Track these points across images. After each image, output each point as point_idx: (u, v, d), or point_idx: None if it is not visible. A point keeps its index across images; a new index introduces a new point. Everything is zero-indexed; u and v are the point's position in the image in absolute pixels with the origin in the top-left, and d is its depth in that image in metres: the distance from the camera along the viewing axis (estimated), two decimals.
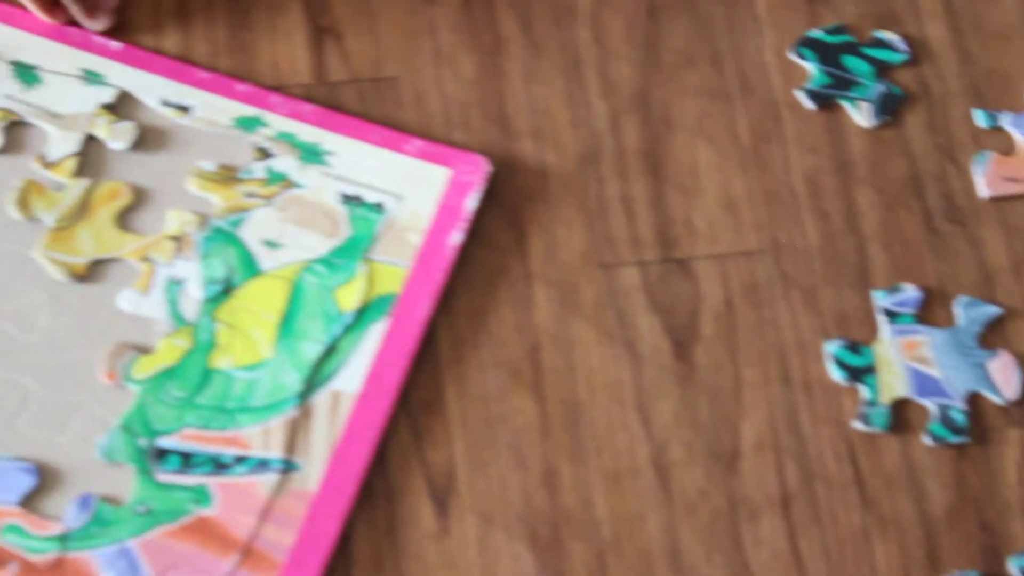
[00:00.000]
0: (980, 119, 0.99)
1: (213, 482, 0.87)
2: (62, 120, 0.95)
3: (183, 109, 0.95)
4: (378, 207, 0.93)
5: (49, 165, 0.94)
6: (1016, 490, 0.90)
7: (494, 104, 0.98)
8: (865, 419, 0.90)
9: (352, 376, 0.89)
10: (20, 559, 0.85)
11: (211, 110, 0.95)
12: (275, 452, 0.87)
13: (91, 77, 0.96)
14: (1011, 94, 0.99)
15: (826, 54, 1.01)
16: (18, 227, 0.93)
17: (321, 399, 0.89)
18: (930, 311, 0.94)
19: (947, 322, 0.94)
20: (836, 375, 0.92)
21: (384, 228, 0.93)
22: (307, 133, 0.95)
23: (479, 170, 0.94)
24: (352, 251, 0.92)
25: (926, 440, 0.90)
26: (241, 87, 0.96)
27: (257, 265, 0.92)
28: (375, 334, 0.90)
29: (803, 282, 0.94)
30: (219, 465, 0.87)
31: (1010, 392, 0.91)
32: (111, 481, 0.87)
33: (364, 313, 0.91)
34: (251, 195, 0.93)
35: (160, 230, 0.93)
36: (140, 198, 0.94)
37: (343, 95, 0.97)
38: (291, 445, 0.88)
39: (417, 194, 0.94)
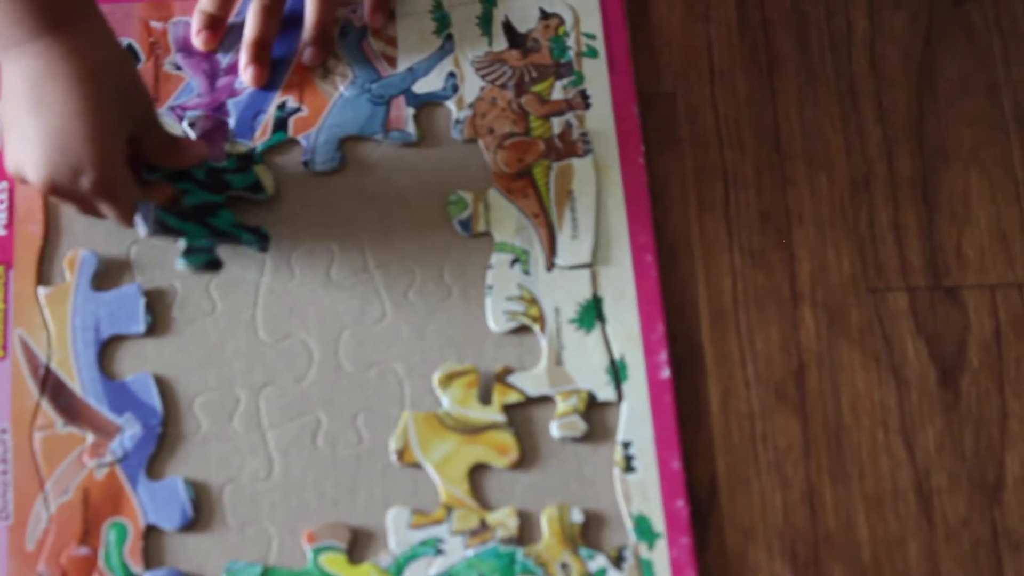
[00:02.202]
0: None
1: None
2: (557, 369, 0.93)
3: (629, 465, 0.91)
4: None
5: (501, 381, 0.92)
6: None
7: (768, 125, 0.99)
8: None
9: None
10: (94, 554, 0.87)
11: (640, 490, 0.90)
12: None
13: (619, 369, 0.93)
14: None
15: None
16: (426, 384, 0.93)
17: None
18: None
19: None
20: None
21: None
22: None
23: None
24: None
25: None
26: (680, 504, 0.90)
27: None
28: None
29: None
30: None
31: None
32: None
33: None
34: (565, 568, 0.88)
35: (487, 506, 0.90)
36: (510, 469, 0.91)
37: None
38: None
39: None
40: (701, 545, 0.89)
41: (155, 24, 1.02)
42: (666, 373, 0.92)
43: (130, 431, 0.90)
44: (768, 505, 0.89)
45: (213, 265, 0.93)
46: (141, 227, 0.92)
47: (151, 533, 0.88)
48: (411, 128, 0.98)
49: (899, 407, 0.92)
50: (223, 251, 0.95)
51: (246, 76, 0.98)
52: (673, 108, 1.00)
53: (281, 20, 1.00)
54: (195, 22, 1.00)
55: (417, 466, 0.90)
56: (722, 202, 0.97)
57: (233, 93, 0.99)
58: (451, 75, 1.00)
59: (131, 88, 0.90)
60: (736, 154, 0.99)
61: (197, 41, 0.99)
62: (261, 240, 0.94)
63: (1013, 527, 0.89)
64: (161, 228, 0.93)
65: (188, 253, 0.93)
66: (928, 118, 1.00)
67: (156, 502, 0.89)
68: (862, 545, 0.89)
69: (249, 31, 0.98)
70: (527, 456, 0.91)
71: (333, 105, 0.99)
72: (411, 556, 0.88)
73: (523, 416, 0.91)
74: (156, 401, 0.91)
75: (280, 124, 0.98)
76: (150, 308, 0.93)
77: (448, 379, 0.91)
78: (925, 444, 0.91)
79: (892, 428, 0.91)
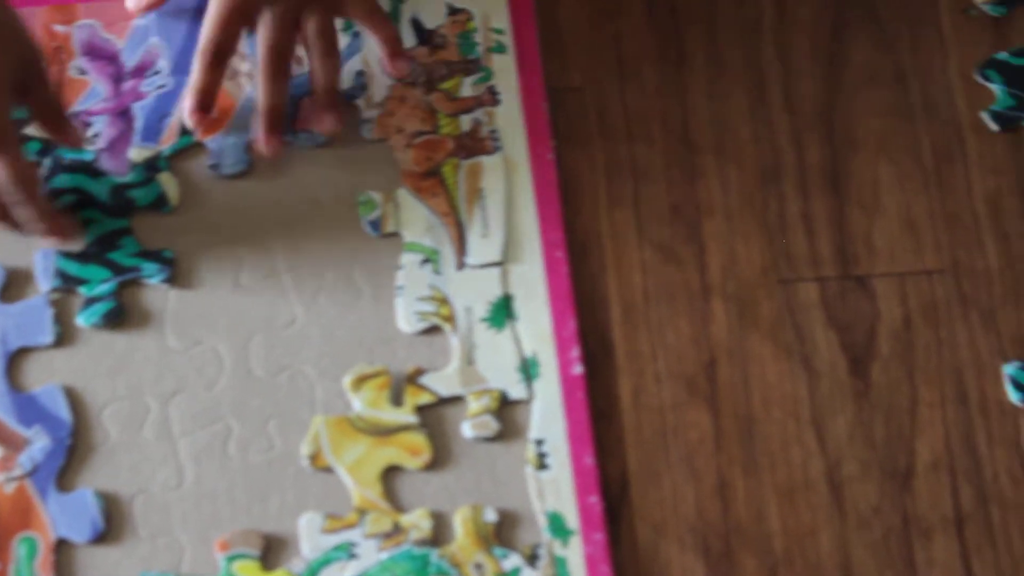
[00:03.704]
0: None
1: None
2: (468, 369, 0.93)
3: (541, 463, 0.90)
4: None
5: (413, 382, 0.92)
6: None
7: (677, 118, 0.99)
8: None
9: None
10: (4, 569, 0.86)
11: (553, 488, 0.90)
12: None
13: (529, 369, 0.93)
14: None
15: (1012, 76, 1.01)
16: (336, 390, 0.92)
17: None
18: None
19: None
20: (1014, 397, 0.92)
21: None
22: None
23: None
24: None
25: None
26: (593, 500, 0.90)
27: None
28: None
29: (982, 303, 0.94)
30: None
31: None
32: None
33: None
34: (479, 568, 0.87)
35: (400, 509, 0.90)
36: (423, 470, 0.90)
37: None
38: None
39: None
40: (614, 540, 0.89)
41: (58, 28, 1.01)
42: (578, 369, 0.92)
43: (39, 444, 0.89)
44: (680, 499, 0.90)
45: (115, 314, 0.93)
46: (44, 282, 0.92)
47: (62, 547, 0.88)
48: (317, 130, 0.97)
49: (810, 397, 0.92)
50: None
51: (265, 148, 0.96)
52: (582, 103, 1.00)
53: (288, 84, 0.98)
54: (190, 99, 0.96)
55: (329, 470, 0.90)
56: (632, 196, 0.97)
57: (139, 96, 0.98)
58: (360, 74, 1.00)
59: (13, 26, 0.89)
60: (645, 148, 0.99)
61: (192, 121, 0.96)
62: (164, 268, 0.94)
63: (923, 514, 0.89)
64: (63, 280, 0.93)
65: (88, 306, 0.93)
66: (836, 108, 1.00)
67: (66, 515, 0.88)
68: (774, 536, 0.89)
69: (264, 99, 0.95)
70: (440, 457, 0.90)
71: (241, 107, 0.98)
72: (324, 561, 0.87)
73: (435, 417, 0.91)
74: (65, 413, 0.90)
75: (187, 128, 0.97)
76: (58, 318, 0.92)
77: (359, 381, 0.91)
78: (836, 433, 0.91)
79: (803, 419, 0.91)
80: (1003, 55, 1.02)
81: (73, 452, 0.90)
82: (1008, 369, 0.92)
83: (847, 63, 1.02)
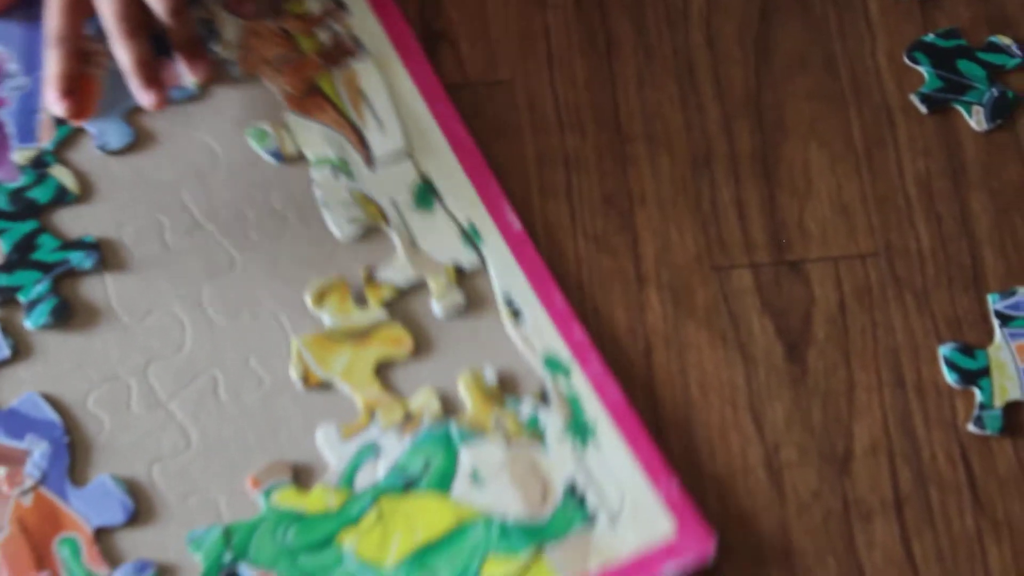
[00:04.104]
0: None
1: None
2: (416, 254, 0.94)
3: (516, 314, 0.93)
4: (590, 517, 0.87)
5: (370, 281, 0.94)
6: None
7: (607, 107, 0.99)
8: (979, 422, 0.91)
9: None
10: (55, 573, 0.86)
11: (537, 333, 0.92)
12: None
13: (471, 235, 0.95)
14: None
15: (939, 58, 1.01)
16: (302, 309, 0.93)
17: None
18: None
19: None
20: (949, 378, 0.92)
21: (577, 535, 0.87)
22: (593, 409, 0.90)
23: (701, 550, 0.87)
24: (534, 534, 0.87)
25: None
26: (577, 331, 0.92)
27: (450, 486, 0.88)
28: None
29: (916, 285, 0.95)
30: None
31: None
32: (177, 563, 0.87)
33: None
34: (499, 425, 0.90)
35: (405, 395, 0.91)
36: (412, 357, 0.92)
37: (457, 99, 0.99)
38: None
39: (630, 529, 0.87)
40: None
41: None
42: (517, 225, 0.95)
43: (38, 451, 0.89)
44: None
45: (60, 310, 0.92)
46: None
47: (101, 536, 0.87)
48: (188, 82, 0.98)
49: (747, 384, 0.92)
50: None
51: (148, 101, 0.95)
52: (512, 95, 1.00)
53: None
54: (51, 90, 0.95)
55: (324, 385, 0.91)
56: (564, 187, 0.97)
57: (1, 104, 0.98)
58: (205, 21, 1.01)
59: None
60: (577, 138, 0.98)
61: (62, 109, 0.95)
62: (91, 253, 0.93)
63: (863, 497, 0.89)
64: None
65: (32, 310, 0.92)
66: (766, 93, 1.00)
67: (93, 505, 0.87)
68: (714, 523, 0.89)
69: (126, 57, 0.95)
70: (421, 343, 0.92)
71: (108, 83, 0.97)
72: (355, 466, 0.88)
73: (403, 309, 0.93)
74: (52, 414, 0.89)
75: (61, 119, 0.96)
76: (7, 331, 0.92)
77: (320, 296, 0.93)
78: (774, 419, 0.91)
79: (740, 405, 0.91)
80: (930, 37, 1.02)
81: (74, 448, 0.89)
82: (943, 350, 0.93)
83: (776, 49, 1.02)
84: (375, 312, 0.93)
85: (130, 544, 0.87)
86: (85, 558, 0.86)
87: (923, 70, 1.01)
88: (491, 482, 0.88)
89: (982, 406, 0.91)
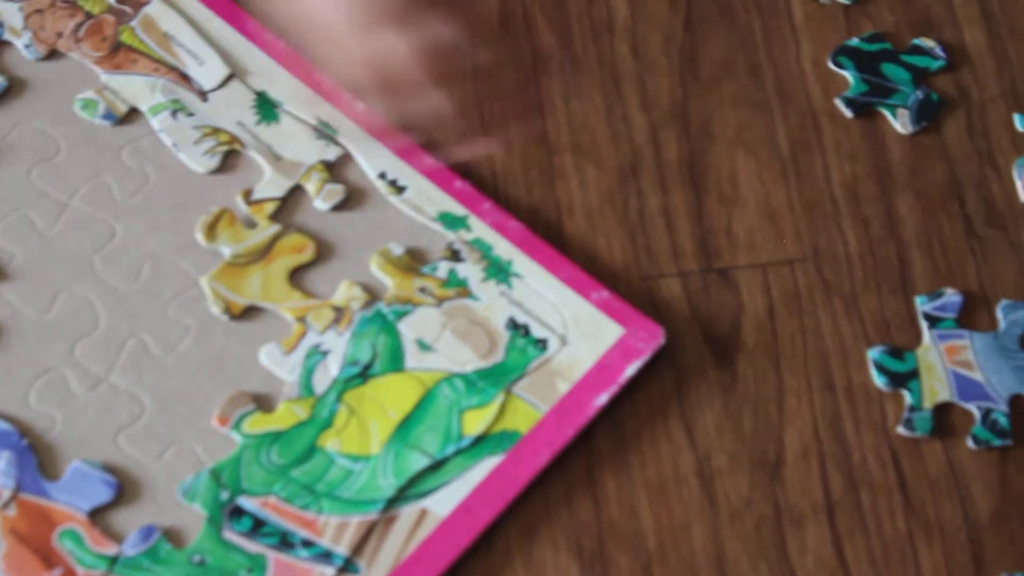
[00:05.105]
0: (1020, 123, 0.99)
1: (273, 556, 0.87)
2: (281, 163, 0.96)
3: (397, 188, 0.96)
4: (540, 343, 0.91)
5: (251, 202, 0.96)
6: None
7: (534, 119, 0.99)
8: (909, 424, 0.91)
9: (446, 500, 0.87)
10: (67, 567, 0.86)
11: (423, 197, 0.95)
12: (342, 548, 0.86)
13: (324, 130, 0.97)
14: None
15: (864, 62, 1.02)
16: (197, 250, 0.94)
17: (407, 512, 0.87)
18: (972, 315, 0.94)
19: (989, 326, 0.94)
20: (879, 381, 0.92)
21: (537, 366, 0.91)
22: (503, 248, 0.94)
23: (653, 340, 0.91)
24: (497, 378, 0.90)
25: (970, 444, 0.91)
26: (459, 184, 0.95)
27: (402, 361, 0.91)
28: (485, 466, 0.88)
29: (844, 289, 0.95)
30: (286, 542, 0.87)
31: None
32: (180, 520, 0.87)
33: (483, 442, 0.89)
34: (424, 291, 0.93)
35: (326, 296, 0.93)
36: (320, 259, 0.95)
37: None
38: (360, 547, 0.87)
39: (582, 343, 0.91)
40: (487, 545, 0.88)
41: None
42: (360, 106, 0.97)
43: (3, 461, 0.88)
44: (552, 501, 0.89)
45: None
46: None
47: (97, 518, 0.87)
48: None
49: (677, 393, 0.92)
50: None
51: None
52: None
53: None
54: None
55: (248, 310, 0.93)
56: (491, 200, 0.96)
57: None
58: None
59: None
60: (503, 151, 0.98)
61: None
62: None
63: (794, 502, 0.89)
64: None
65: None
66: (692, 102, 1.01)
67: (78, 492, 0.87)
68: (647, 534, 0.89)
69: None
70: (323, 244, 0.95)
71: None
72: (308, 372, 0.91)
73: (291, 217, 0.96)
74: (2, 424, 0.90)
75: None
76: None
77: (210, 230, 0.94)
78: (704, 428, 0.91)
79: (672, 415, 0.92)
80: (854, 41, 1.02)
81: (36, 448, 0.89)
82: (872, 354, 0.93)
83: (701, 58, 1.02)
84: (268, 228, 0.94)
85: (128, 517, 0.88)
86: (89, 543, 0.86)
87: (848, 74, 1.02)
88: (438, 345, 0.91)
89: (912, 408, 0.91)
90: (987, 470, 0.91)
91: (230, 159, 0.98)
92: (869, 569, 0.88)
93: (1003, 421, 0.91)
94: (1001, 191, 0.98)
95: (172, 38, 1.01)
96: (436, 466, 0.89)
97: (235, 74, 0.99)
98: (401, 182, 0.96)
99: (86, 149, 0.97)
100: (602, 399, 0.90)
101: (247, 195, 0.96)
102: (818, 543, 0.89)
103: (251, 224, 0.95)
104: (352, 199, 0.96)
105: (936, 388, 0.92)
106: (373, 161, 0.97)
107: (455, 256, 0.94)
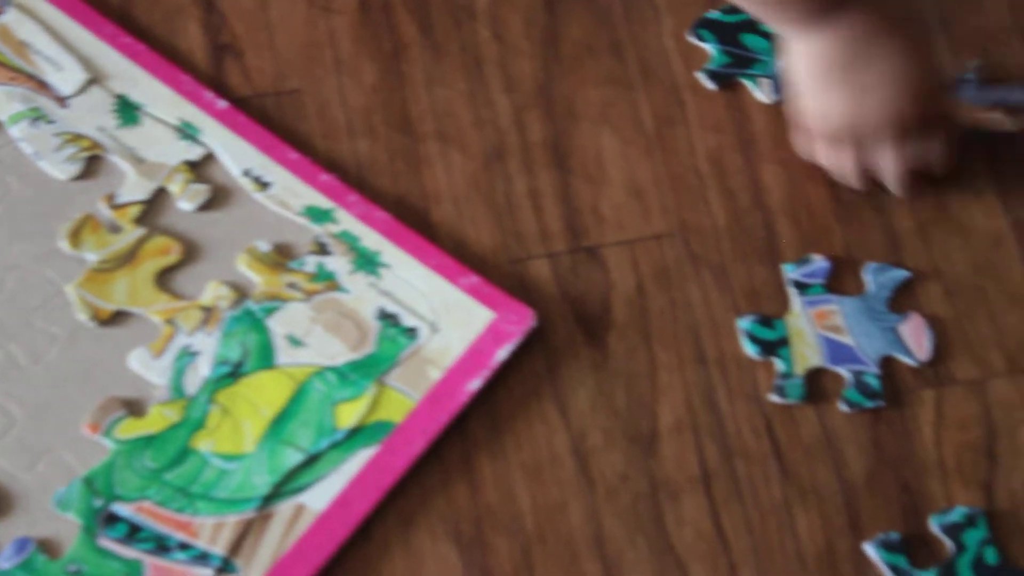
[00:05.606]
0: None
1: (150, 561, 0.86)
2: (143, 166, 0.96)
3: (262, 184, 0.96)
4: (411, 332, 0.92)
5: (114, 207, 0.95)
6: (932, 450, 0.90)
7: (397, 109, 0.99)
8: (781, 391, 0.91)
9: (322, 494, 0.87)
10: None
11: (288, 192, 0.95)
12: (219, 549, 0.86)
13: (186, 130, 0.97)
14: None
15: (724, 34, 1.02)
16: (62, 257, 0.94)
17: (284, 508, 0.87)
18: (840, 280, 0.95)
19: (857, 289, 0.94)
20: (750, 350, 0.92)
21: (408, 355, 0.91)
22: (371, 240, 0.94)
23: (523, 323, 0.92)
24: (369, 369, 0.91)
25: (842, 407, 0.91)
26: (325, 177, 0.96)
27: (273, 358, 0.91)
28: (360, 459, 0.88)
29: (712, 261, 0.95)
30: (162, 546, 0.86)
31: (922, 353, 0.92)
32: (54, 531, 0.87)
33: (357, 434, 0.89)
34: (293, 286, 0.93)
35: (194, 297, 0.93)
36: (187, 260, 0.94)
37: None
38: (237, 546, 0.86)
39: (453, 329, 0.92)
40: (365, 537, 0.87)
41: None
42: (222, 104, 0.98)
43: None
44: (428, 489, 0.89)
45: None
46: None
47: None
48: None
49: (550, 373, 0.92)
50: None
51: None
52: (301, 105, 1.00)
53: None
54: None
55: (116, 315, 0.93)
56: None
57: None
58: None
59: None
60: (368, 143, 0.98)
61: None
62: None
63: (670, 476, 0.90)
64: None
65: None
66: (555, 82, 1.01)
67: None
68: (524, 515, 0.89)
69: None
70: (189, 245, 0.95)
71: None
72: (179, 374, 0.91)
73: (158, 220, 0.96)
74: None
75: None
76: None
77: (74, 237, 0.95)
78: (578, 406, 0.91)
79: (545, 395, 0.92)
80: (715, 14, 1.03)
81: None
82: (742, 323, 0.93)
83: (563, 38, 1.02)
84: (133, 232, 0.94)
85: (1, 531, 0.87)
86: (8, 566, 0.86)
87: (709, 47, 1.02)
88: (308, 339, 0.91)
89: (783, 375, 0.92)
90: (860, 432, 0.91)
91: (92, 165, 0.97)
92: (747, 538, 0.89)
93: (874, 383, 0.91)
94: None
95: (29, 46, 1.00)
96: (311, 461, 0.89)
97: (95, 79, 0.99)
98: (266, 178, 0.96)
99: None
100: (475, 384, 0.90)
101: (110, 200, 0.95)
102: (695, 515, 0.89)
103: (115, 229, 0.95)
104: (217, 198, 0.96)
105: (807, 354, 0.92)
106: (237, 158, 0.97)
107: (322, 250, 0.94)
